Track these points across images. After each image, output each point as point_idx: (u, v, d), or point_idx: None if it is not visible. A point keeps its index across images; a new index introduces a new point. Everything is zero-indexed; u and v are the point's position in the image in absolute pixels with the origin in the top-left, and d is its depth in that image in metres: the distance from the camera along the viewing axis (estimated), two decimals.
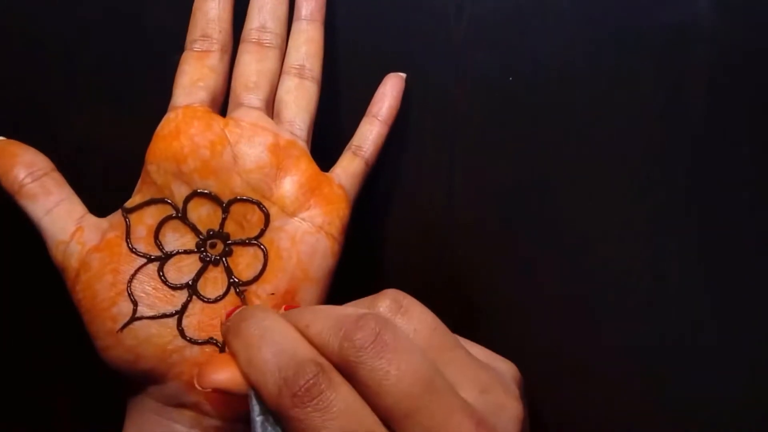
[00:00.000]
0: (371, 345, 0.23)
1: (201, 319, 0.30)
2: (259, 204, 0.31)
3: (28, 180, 0.31)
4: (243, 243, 0.31)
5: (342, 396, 0.22)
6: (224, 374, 0.24)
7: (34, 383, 0.37)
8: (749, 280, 0.35)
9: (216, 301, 0.31)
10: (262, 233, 0.31)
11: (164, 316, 0.30)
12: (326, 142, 0.35)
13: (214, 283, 0.31)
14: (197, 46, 0.32)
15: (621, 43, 0.35)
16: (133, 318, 0.30)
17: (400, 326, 0.25)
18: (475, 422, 0.23)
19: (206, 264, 0.31)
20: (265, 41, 0.33)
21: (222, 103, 0.33)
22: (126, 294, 0.30)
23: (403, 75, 0.35)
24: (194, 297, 0.30)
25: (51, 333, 0.37)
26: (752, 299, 0.35)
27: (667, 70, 0.35)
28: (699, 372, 0.35)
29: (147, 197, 0.31)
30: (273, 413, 0.23)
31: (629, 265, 0.36)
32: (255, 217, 0.31)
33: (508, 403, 0.25)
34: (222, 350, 0.30)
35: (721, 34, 0.35)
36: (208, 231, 0.31)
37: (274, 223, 0.31)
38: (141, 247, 0.31)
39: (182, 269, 0.31)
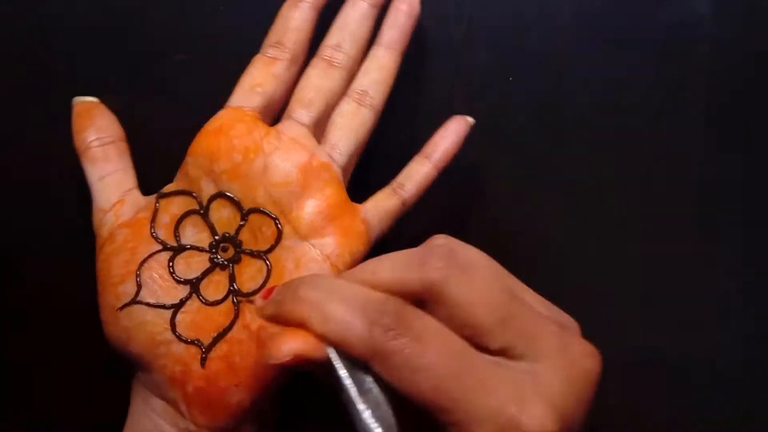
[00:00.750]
0: (451, 265, 0.23)
1: (194, 319, 0.30)
2: (275, 219, 0.30)
3: (95, 143, 0.33)
4: (252, 254, 0.31)
5: (430, 322, 0.23)
6: (297, 341, 0.23)
7: (36, 382, 0.38)
8: (750, 280, 0.35)
9: (212, 304, 0.31)
10: (271, 249, 0.30)
11: (162, 306, 0.30)
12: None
13: (216, 286, 0.31)
14: (269, 52, 0.32)
15: (621, 43, 0.35)
16: (133, 300, 0.30)
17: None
18: (557, 324, 0.24)
19: (214, 266, 0.31)
20: (335, 61, 0.32)
21: (278, 112, 0.33)
22: (135, 275, 0.31)
23: (471, 120, 0.32)
24: (194, 295, 0.31)
25: (50, 332, 0.38)
26: (753, 299, 0.35)
27: (667, 70, 0.35)
28: (699, 372, 0.35)
29: (180, 187, 0.32)
30: (359, 364, 0.23)
31: (630, 266, 0.36)
32: (269, 231, 0.31)
33: (568, 317, 0.27)
34: (206, 354, 0.30)
35: (721, 34, 0.35)
36: (224, 234, 0.31)
37: (285, 242, 0.30)
38: (161, 234, 0.31)
39: (191, 265, 0.31)
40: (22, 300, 0.37)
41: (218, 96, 0.34)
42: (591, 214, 0.36)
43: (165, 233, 0.31)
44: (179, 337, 0.30)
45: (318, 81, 0.32)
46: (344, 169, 0.32)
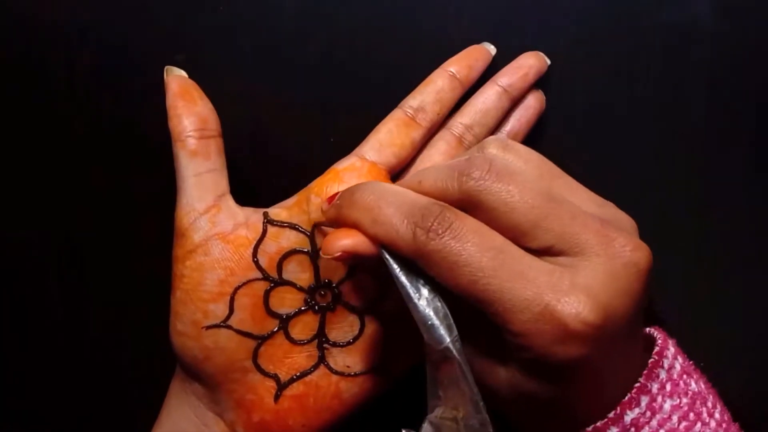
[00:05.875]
0: (488, 173, 0.25)
1: (275, 353, 0.31)
2: (383, 285, 0.31)
3: (195, 135, 0.31)
4: (348, 307, 0.32)
5: (470, 222, 0.25)
6: (349, 239, 0.26)
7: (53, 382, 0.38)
8: (749, 280, 0.36)
9: (298, 343, 0.31)
10: (369, 308, 0.32)
11: (250, 335, 0.31)
12: (329, 149, 0.35)
13: (303, 326, 0.31)
14: (410, 113, 0.32)
15: (621, 43, 0.35)
16: (223, 324, 0.30)
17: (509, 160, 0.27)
18: (599, 221, 0.25)
19: (308, 308, 0.31)
20: (465, 141, 0.33)
21: (399, 172, 0.33)
22: (228, 298, 0.30)
23: (492, 48, 0.34)
24: (281, 331, 0.31)
25: (57, 334, 0.37)
26: (752, 299, 0.36)
27: (667, 70, 0.35)
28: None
29: (293, 219, 0.31)
30: (408, 262, 0.25)
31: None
32: (373, 290, 0.32)
33: (623, 215, 0.28)
34: (280, 392, 0.31)
35: (721, 34, 0.35)
36: (326, 280, 0.31)
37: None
38: (263, 262, 0.31)
39: (284, 300, 0.31)
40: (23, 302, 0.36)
41: (218, 96, 0.33)
42: None
43: (267, 262, 0.31)
44: (259, 368, 0.31)
45: (442, 158, 0.33)
46: None
